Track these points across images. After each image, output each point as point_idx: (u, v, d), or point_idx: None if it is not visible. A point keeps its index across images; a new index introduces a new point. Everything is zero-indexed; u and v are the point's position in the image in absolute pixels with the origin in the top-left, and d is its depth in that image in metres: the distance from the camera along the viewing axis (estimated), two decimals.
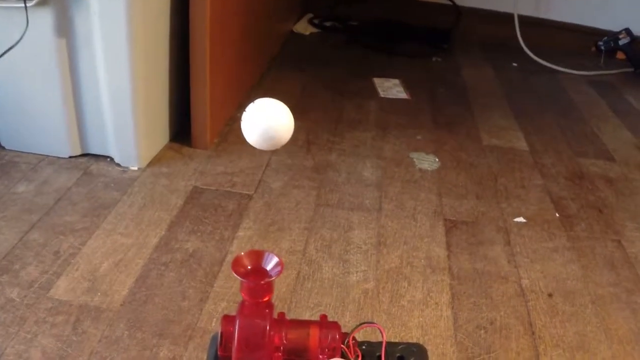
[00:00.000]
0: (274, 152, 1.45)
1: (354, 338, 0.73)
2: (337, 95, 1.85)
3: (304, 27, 2.48)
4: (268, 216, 1.22)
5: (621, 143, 1.71)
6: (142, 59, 1.24)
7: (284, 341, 0.73)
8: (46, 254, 1.06)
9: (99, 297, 0.97)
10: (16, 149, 1.35)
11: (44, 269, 1.02)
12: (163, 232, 1.14)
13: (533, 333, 0.98)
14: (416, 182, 1.39)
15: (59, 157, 1.34)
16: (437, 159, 1.50)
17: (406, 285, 1.05)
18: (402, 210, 1.28)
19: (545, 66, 2.28)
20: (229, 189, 1.30)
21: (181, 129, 1.48)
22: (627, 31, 2.35)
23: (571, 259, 1.17)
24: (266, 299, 0.75)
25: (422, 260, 1.12)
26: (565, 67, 2.27)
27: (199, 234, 1.14)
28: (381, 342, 0.74)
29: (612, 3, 2.49)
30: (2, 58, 1.18)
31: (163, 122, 1.42)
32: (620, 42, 2.37)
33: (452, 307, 1.01)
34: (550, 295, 1.06)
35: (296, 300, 1.00)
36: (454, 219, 1.26)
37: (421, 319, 0.98)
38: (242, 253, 0.76)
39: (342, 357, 0.72)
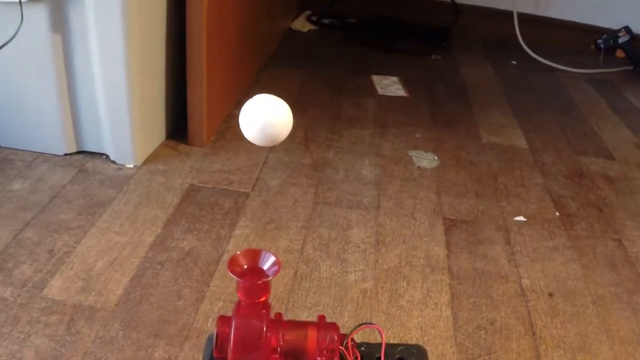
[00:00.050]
0: (271, 149, 1.43)
1: (352, 339, 0.71)
2: (335, 93, 1.83)
3: (302, 25, 2.47)
4: (265, 214, 1.20)
5: (621, 141, 1.70)
6: (137, 54, 1.23)
7: (281, 343, 0.71)
8: (40, 252, 1.04)
9: (93, 296, 0.96)
10: (11, 146, 1.34)
11: (37, 268, 1.00)
12: (159, 231, 1.12)
13: (534, 334, 0.96)
14: (415, 181, 1.38)
15: (54, 155, 1.33)
16: (436, 157, 1.49)
17: (405, 285, 1.04)
18: (401, 209, 1.26)
19: (545, 64, 2.27)
20: (225, 186, 1.28)
21: (178, 126, 1.46)
22: (627, 29, 2.34)
23: (572, 259, 1.16)
24: (263, 299, 0.73)
25: (422, 260, 1.11)
26: (565, 65, 2.26)
27: (195, 232, 1.13)
28: (380, 344, 0.73)
29: (611, 1, 2.48)
30: None
31: (159, 119, 1.41)
32: (620, 40, 2.36)
33: (452, 307, 1.00)
34: (550, 295, 1.05)
35: (293, 300, 0.99)
36: (454, 217, 1.25)
37: (420, 319, 0.97)
38: (239, 252, 0.75)
39: (340, 359, 0.70)
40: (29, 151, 1.33)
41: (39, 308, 0.92)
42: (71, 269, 1.01)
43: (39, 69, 1.23)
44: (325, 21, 2.51)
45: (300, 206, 1.24)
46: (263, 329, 0.71)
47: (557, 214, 1.30)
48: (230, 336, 0.70)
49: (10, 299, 0.93)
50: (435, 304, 1.01)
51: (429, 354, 0.82)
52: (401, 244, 1.15)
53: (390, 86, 1.93)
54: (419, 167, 1.44)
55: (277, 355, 0.70)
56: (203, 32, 1.31)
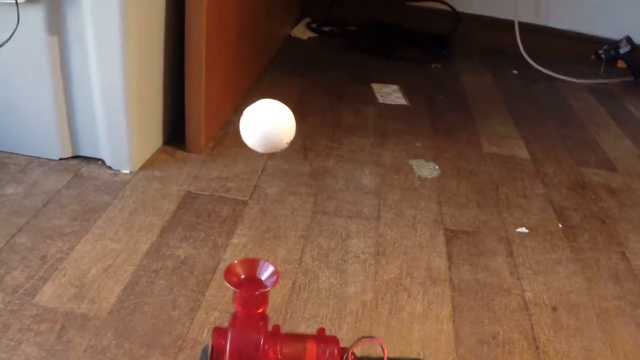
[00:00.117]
0: (270, 157, 1.41)
1: (353, 353, 0.69)
2: (335, 100, 1.81)
3: (301, 32, 2.45)
4: (263, 223, 1.18)
5: (622, 152, 1.68)
6: (135, 58, 1.21)
7: (279, 356, 0.69)
8: (33, 258, 1.02)
9: (86, 304, 0.93)
10: (5, 150, 1.32)
11: (30, 274, 0.98)
12: (154, 238, 1.10)
13: (537, 348, 0.94)
14: (416, 190, 1.36)
15: (49, 159, 1.31)
16: (437, 167, 1.47)
17: (406, 297, 1.02)
18: (402, 219, 1.24)
19: (545, 73, 2.26)
20: (223, 194, 1.26)
21: (175, 132, 1.44)
22: (628, 39, 2.33)
23: (575, 271, 1.14)
24: (260, 310, 0.71)
25: (422, 271, 1.09)
26: (565, 75, 2.24)
27: (191, 240, 1.11)
28: (381, 358, 0.71)
29: (612, 11, 2.47)
30: None
31: (156, 125, 1.38)
32: (621, 51, 2.35)
33: (454, 320, 0.98)
34: (554, 308, 1.03)
35: (291, 311, 0.96)
36: (455, 228, 1.23)
37: (421, 332, 0.95)
38: (236, 261, 0.73)
39: None
40: (24, 155, 1.31)
41: (30, 315, 0.90)
42: (64, 275, 0.99)
43: (35, 71, 1.21)
44: (325, 28, 2.50)
45: (299, 215, 1.22)
46: (260, 341, 0.68)
47: (560, 225, 1.28)
48: (226, 348, 0.68)
49: (1, 305, 0.91)
50: (437, 316, 0.98)
51: None
52: (402, 255, 1.13)
53: (390, 94, 1.92)
54: (419, 177, 1.42)
55: None
56: (202, 36, 1.29)
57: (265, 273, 0.73)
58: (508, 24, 2.41)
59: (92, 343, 0.86)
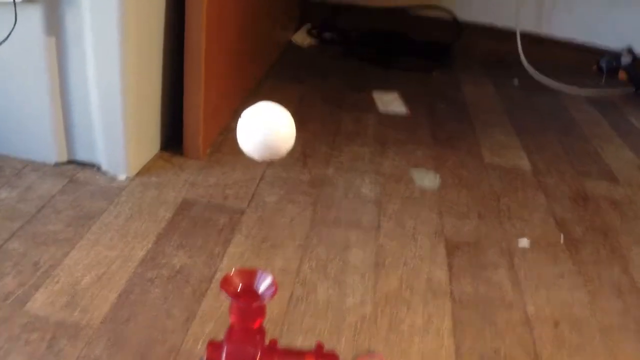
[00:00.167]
0: (268, 164, 1.39)
1: None
2: (335, 108, 1.80)
3: (302, 38, 2.44)
4: (261, 232, 1.16)
5: (624, 163, 1.67)
6: (134, 62, 1.19)
7: None
8: (25, 264, 1.00)
9: (78, 313, 0.91)
10: (0, 153, 1.29)
11: (21, 281, 0.96)
12: (150, 246, 1.08)
13: None
14: (416, 200, 1.34)
15: (44, 163, 1.28)
16: (437, 176, 1.45)
17: (406, 310, 1.00)
18: (402, 230, 1.22)
19: (546, 83, 2.24)
20: (220, 202, 1.24)
21: (172, 137, 1.42)
22: (629, 50, 2.32)
23: (577, 285, 1.12)
24: (257, 323, 0.69)
25: (423, 283, 1.07)
26: (566, 85, 2.23)
27: (187, 248, 1.08)
28: None
29: (614, 21, 2.46)
30: None
31: (154, 130, 1.37)
32: (622, 61, 2.33)
33: (454, 335, 0.96)
34: (556, 323, 1.01)
35: (288, 323, 0.94)
36: (456, 239, 1.21)
37: (421, 346, 0.93)
38: (233, 271, 0.71)
39: None
40: (19, 158, 1.29)
41: (21, 324, 0.88)
42: (56, 282, 0.97)
43: (32, 73, 1.19)
44: (326, 35, 2.48)
45: (298, 224, 1.20)
46: (257, 356, 0.66)
47: (562, 237, 1.26)
48: None
49: None
50: (437, 330, 0.96)
51: None
52: (402, 266, 1.11)
53: (390, 103, 1.90)
54: (420, 187, 1.40)
55: None
56: (202, 39, 1.27)
57: (264, 284, 0.71)
58: (510, 34, 2.39)
59: (83, 353, 0.84)
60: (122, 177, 1.27)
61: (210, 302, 0.96)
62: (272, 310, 0.96)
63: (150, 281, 0.99)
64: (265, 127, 0.59)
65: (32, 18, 1.13)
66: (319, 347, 0.69)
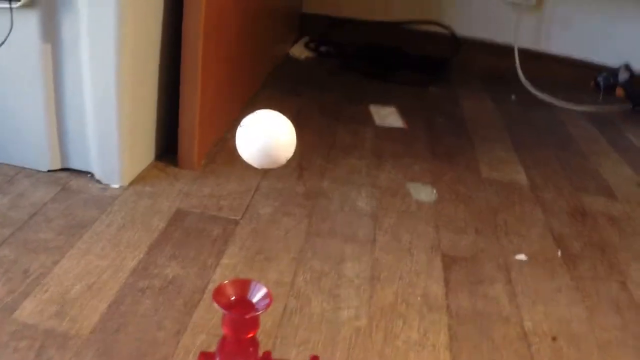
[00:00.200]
0: (264, 176, 1.38)
1: None
2: (332, 121, 1.79)
3: (299, 51, 2.43)
4: (255, 244, 1.15)
5: (622, 180, 1.66)
6: (130, 70, 1.18)
7: None
8: (15, 272, 0.98)
9: (67, 322, 0.89)
10: None
11: (10, 288, 0.94)
12: (142, 256, 1.06)
13: None
14: (413, 214, 1.32)
15: (37, 170, 1.27)
16: (434, 191, 1.44)
17: (401, 324, 0.98)
18: (398, 243, 1.21)
19: (544, 99, 2.24)
20: (214, 212, 1.23)
21: (167, 147, 1.41)
22: (627, 67, 2.32)
23: (575, 300, 1.10)
24: (251, 335, 0.68)
25: (419, 298, 1.05)
26: (564, 101, 2.23)
27: (180, 259, 1.07)
28: None
29: (612, 38, 2.46)
30: None
31: (149, 139, 1.35)
32: (620, 78, 2.33)
33: (451, 350, 0.94)
34: (554, 338, 1.00)
35: (282, 336, 0.92)
36: (453, 254, 1.19)
37: None
38: (226, 281, 0.69)
39: None
40: (11, 165, 1.27)
41: (9, 332, 0.86)
42: (46, 291, 0.95)
43: (27, 79, 1.18)
44: (323, 49, 2.48)
45: (292, 236, 1.19)
46: None
47: (560, 253, 1.25)
48: None
49: None
50: (433, 345, 0.95)
51: None
52: (397, 281, 1.09)
53: (387, 116, 1.89)
54: (416, 201, 1.39)
55: None
56: (199, 50, 1.26)
57: (257, 295, 0.69)
58: (508, 50, 2.40)
59: None
60: (115, 185, 1.25)
61: (202, 314, 0.94)
62: (266, 322, 0.94)
63: (141, 292, 0.98)
64: (265, 135, 0.58)
65: (29, 24, 1.12)
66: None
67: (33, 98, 1.19)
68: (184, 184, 1.31)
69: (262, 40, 1.92)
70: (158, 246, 1.09)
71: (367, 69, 2.30)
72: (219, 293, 0.68)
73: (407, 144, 1.69)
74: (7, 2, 1.08)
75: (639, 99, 2.30)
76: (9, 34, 1.10)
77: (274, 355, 0.82)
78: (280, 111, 0.63)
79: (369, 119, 1.85)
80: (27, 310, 0.90)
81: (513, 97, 2.26)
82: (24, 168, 1.27)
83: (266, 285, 0.69)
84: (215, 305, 0.66)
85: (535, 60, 2.46)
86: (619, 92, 2.39)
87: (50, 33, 1.14)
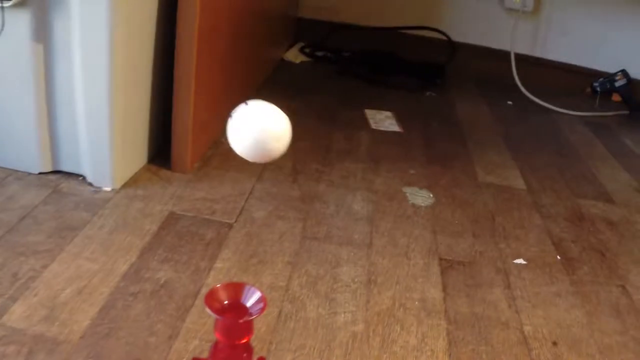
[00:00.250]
0: (258, 180, 1.36)
1: None
2: (327, 125, 1.77)
3: (294, 55, 2.42)
4: (249, 247, 1.13)
5: (620, 185, 1.65)
6: (122, 71, 1.16)
7: None
8: (3, 275, 0.96)
9: (56, 327, 0.87)
10: None
11: None
12: (133, 259, 1.04)
13: None
14: (409, 218, 1.31)
15: (28, 173, 1.25)
16: (431, 195, 1.42)
17: (399, 329, 0.96)
18: (395, 247, 1.19)
19: (540, 105, 2.23)
20: (208, 216, 1.21)
21: (160, 150, 1.39)
22: (624, 73, 2.31)
23: (575, 305, 1.09)
24: (244, 340, 0.65)
25: (416, 302, 1.03)
26: (561, 107, 2.22)
27: (172, 263, 1.05)
28: None
29: (609, 45, 2.45)
30: None
31: (141, 142, 1.33)
32: (617, 84, 2.33)
33: (450, 355, 0.92)
34: (554, 343, 0.98)
35: (277, 342, 0.90)
36: (450, 258, 1.18)
37: None
38: (219, 285, 0.67)
39: None
40: (1, 167, 1.25)
41: None
42: (35, 295, 0.92)
43: (18, 80, 1.16)
44: (319, 54, 2.46)
45: (287, 240, 1.17)
46: None
47: (558, 257, 1.23)
48: None
49: None
50: (432, 350, 0.93)
51: None
52: (394, 285, 1.07)
53: (383, 121, 1.88)
54: (413, 204, 1.37)
55: None
56: (193, 52, 1.25)
57: (251, 299, 0.67)
58: (503, 55, 2.39)
59: None
60: (107, 188, 1.23)
61: (195, 319, 0.92)
62: (260, 327, 0.92)
63: (133, 296, 0.95)
64: (257, 126, 0.56)
65: (20, 24, 1.10)
66: None
67: (24, 99, 1.17)
68: (177, 187, 1.29)
69: (257, 44, 1.91)
70: (150, 250, 1.07)
71: (363, 74, 2.28)
72: (211, 297, 0.66)
73: (403, 148, 1.68)
74: None
75: (636, 105, 2.30)
76: None
77: None
78: None
79: (364, 123, 1.83)
80: (16, 315, 0.88)
81: (509, 102, 2.25)
82: (14, 170, 1.25)
83: (260, 290, 0.67)
84: (208, 309, 0.64)
85: (532, 66, 2.46)
86: (615, 97, 2.39)
87: (42, 33, 1.12)
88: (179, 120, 1.30)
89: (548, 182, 1.59)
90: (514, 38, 2.38)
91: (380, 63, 2.40)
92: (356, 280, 1.07)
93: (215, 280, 1.02)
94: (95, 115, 1.17)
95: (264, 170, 1.40)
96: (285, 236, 1.18)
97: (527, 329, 1.00)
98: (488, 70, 2.48)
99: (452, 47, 2.48)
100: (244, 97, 1.89)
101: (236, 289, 0.68)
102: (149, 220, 1.16)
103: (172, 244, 1.10)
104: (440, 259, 1.17)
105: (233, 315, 0.65)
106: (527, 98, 2.26)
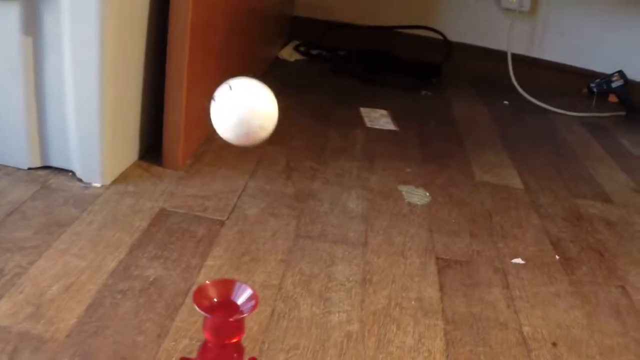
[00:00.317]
0: (251, 177, 1.33)
1: None
2: (322, 123, 1.75)
3: (289, 54, 2.40)
4: (241, 245, 1.10)
5: (617, 185, 1.63)
6: (113, 65, 1.13)
7: None
8: None
9: (42, 324, 0.84)
10: None
11: None
12: (122, 256, 1.01)
13: None
14: (405, 217, 1.28)
15: (17, 168, 1.22)
16: (427, 194, 1.40)
17: (395, 329, 0.94)
18: (390, 246, 1.16)
19: (537, 105, 2.21)
20: (199, 213, 1.18)
21: (151, 146, 1.36)
22: (621, 74, 2.30)
23: (574, 305, 1.06)
24: (235, 340, 0.63)
25: (413, 302, 1.01)
26: (557, 107, 2.20)
27: (162, 260, 1.02)
28: None
29: (605, 45, 2.44)
30: None
31: (132, 137, 1.30)
32: (613, 85, 2.31)
33: (447, 356, 0.90)
34: (554, 344, 0.95)
35: (269, 342, 0.88)
36: (447, 257, 1.15)
37: None
38: (208, 282, 0.65)
39: None
40: None
41: None
42: (21, 292, 0.90)
43: (7, 74, 1.13)
44: (314, 52, 2.44)
45: (280, 238, 1.14)
46: None
47: (557, 257, 1.21)
48: None
49: None
50: (429, 351, 0.90)
51: None
52: (390, 284, 1.05)
53: (379, 119, 1.85)
54: (409, 203, 1.35)
55: None
56: (185, 47, 1.22)
57: (242, 297, 0.65)
58: (500, 55, 2.37)
59: None
60: (97, 184, 1.21)
61: (185, 317, 0.90)
62: (252, 326, 0.90)
63: (121, 293, 0.93)
64: (240, 104, 0.53)
65: (9, 17, 1.08)
66: None
67: (13, 94, 1.15)
68: (168, 184, 1.26)
69: (252, 41, 1.88)
70: (140, 246, 1.04)
71: (358, 73, 2.26)
72: (200, 294, 0.63)
73: (398, 147, 1.65)
74: None
75: (633, 106, 2.28)
76: None
77: None
78: None
79: (360, 121, 1.81)
80: (1, 312, 0.85)
81: (506, 102, 2.23)
82: (3, 166, 1.22)
83: (252, 288, 0.64)
84: (196, 307, 0.61)
85: (528, 66, 2.44)
86: (612, 98, 2.37)
87: (31, 27, 1.10)
88: (170, 116, 1.28)
89: (545, 182, 1.57)
90: (511, 38, 2.36)
91: (376, 62, 2.37)
92: (351, 279, 1.05)
93: (206, 278, 0.99)
94: (85, 109, 1.14)
95: (257, 168, 1.37)
96: (278, 234, 1.15)
97: (526, 329, 0.98)
98: (484, 70, 2.47)
99: (448, 47, 2.46)
100: None
101: (226, 286, 0.65)
102: (139, 216, 1.13)
103: (163, 241, 1.07)
104: (437, 258, 1.14)
105: (223, 313, 0.62)
106: (524, 98, 2.25)
